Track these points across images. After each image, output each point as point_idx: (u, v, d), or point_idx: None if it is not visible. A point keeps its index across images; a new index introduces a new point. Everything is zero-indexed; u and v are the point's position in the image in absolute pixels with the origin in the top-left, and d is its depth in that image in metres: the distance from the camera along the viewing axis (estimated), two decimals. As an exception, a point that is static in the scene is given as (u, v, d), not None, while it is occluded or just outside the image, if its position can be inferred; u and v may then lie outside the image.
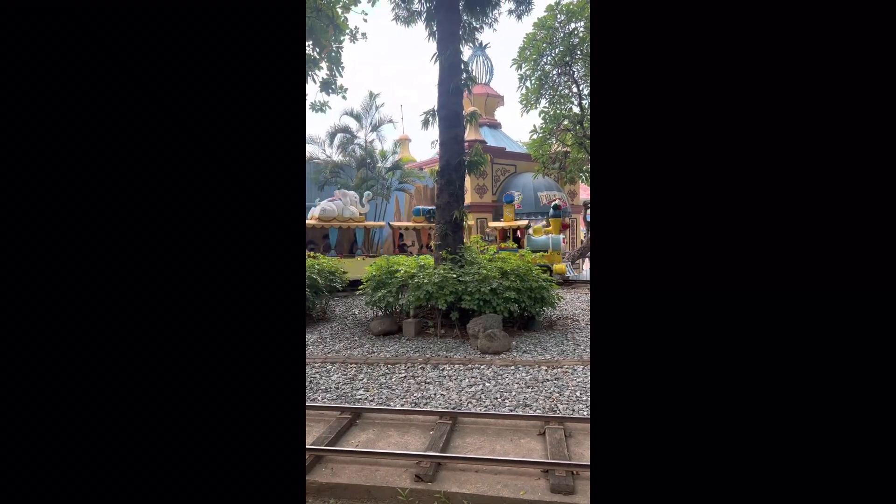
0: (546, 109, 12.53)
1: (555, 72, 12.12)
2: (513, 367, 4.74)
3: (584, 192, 19.09)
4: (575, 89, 12.27)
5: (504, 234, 12.61)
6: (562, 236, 11.63)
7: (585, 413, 3.57)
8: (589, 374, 4.47)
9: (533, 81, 12.16)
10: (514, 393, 4.05)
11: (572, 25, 11.54)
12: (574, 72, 12.04)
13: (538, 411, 3.63)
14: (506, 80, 20.44)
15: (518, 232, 12.37)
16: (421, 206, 13.77)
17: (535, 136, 12.97)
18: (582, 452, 2.87)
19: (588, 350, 5.45)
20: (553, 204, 12.88)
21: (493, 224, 13.49)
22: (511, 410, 3.68)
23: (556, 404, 3.78)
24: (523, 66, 12.04)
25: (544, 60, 11.96)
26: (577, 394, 3.99)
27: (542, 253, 11.77)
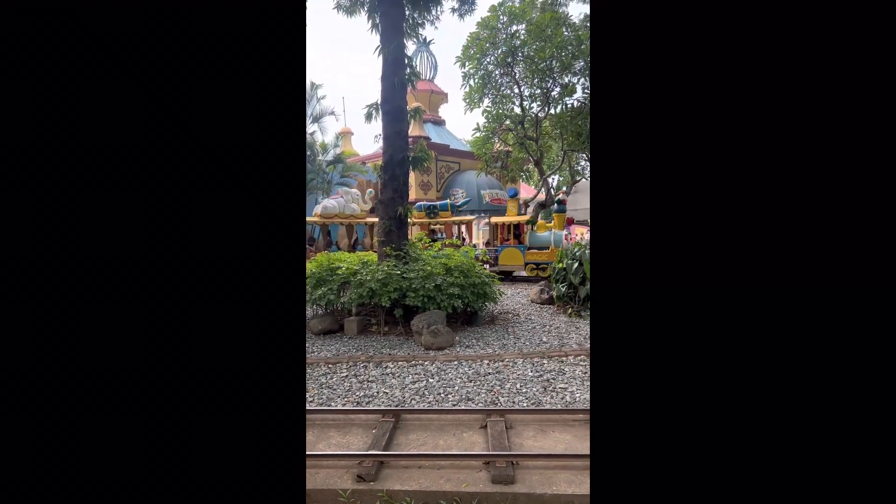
0: (489, 109, 12.75)
1: (497, 72, 12.36)
2: (456, 363, 4.80)
3: (524, 192, 19.65)
4: (516, 90, 12.59)
5: (505, 230, 12.16)
6: (564, 232, 11.12)
7: (525, 405, 3.69)
8: (527, 366, 4.64)
9: (476, 80, 12.31)
10: (457, 388, 4.11)
11: (514, 28, 11.81)
12: (516, 73, 12.35)
13: (480, 405, 3.71)
14: (450, 78, 20.55)
15: (520, 227, 11.86)
16: (423, 202, 13.73)
17: (478, 135, 13.17)
18: (522, 443, 2.97)
19: (527, 343, 5.65)
20: (557, 198, 12.46)
21: (495, 219, 13.03)
22: (454, 405, 3.72)
23: (497, 397, 3.87)
24: (467, 64, 12.16)
25: (487, 60, 12.15)
26: (518, 386, 4.12)
27: (540, 250, 11.22)
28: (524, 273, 11.68)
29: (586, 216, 12.52)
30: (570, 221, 11.55)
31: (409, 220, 7.28)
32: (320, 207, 12.38)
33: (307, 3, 1.25)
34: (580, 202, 15.87)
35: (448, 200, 13.83)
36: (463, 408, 3.54)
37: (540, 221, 11.82)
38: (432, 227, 13.55)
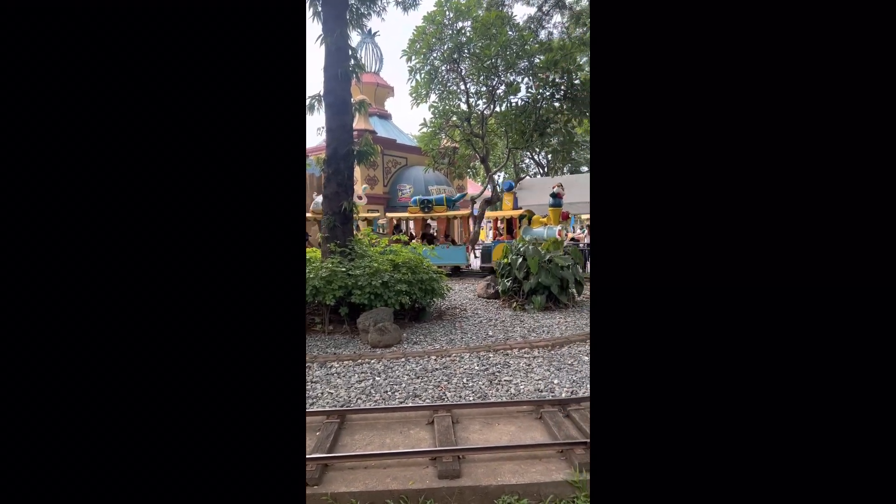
0: (436, 104, 12.74)
1: (444, 68, 12.36)
2: (403, 360, 4.77)
3: (471, 188, 19.85)
4: (463, 87, 12.67)
5: (499, 224, 11.77)
6: (558, 227, 10.55)
7: (472, 399, 3.74)
8: (474, 360, 4.70)
9: (423, 75, 12.24)
10: (404, 385, 4.08)
11: (460, 24, 11.87)
12: (462, 69, 12.42)
13: (427, 401, 3.71)
14: (396, 72, 20.32)
15: (513, 222, 11.36)
16: (419, 196, 13.24)
17: (425, 130, 13.12)
18: (468, 437, 3.01)
19: (474, 338, 5.74)
20: (551, 192, 11.44)
21: (490, 213, 12.49)
22: (401, 403, 3.70)
23: (444, 392, 3.90)
24: (413, 58, 12.06)
25: (434, 55, 12.12)
26: (464, 380, 4.17)
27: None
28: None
29: (538, 211, 12.70)
30: (566, 216, 10.99)
31: (353, 215, 7.11)
32: (313, 204, 12.35)
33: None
34: (525, 199, 16.31)
35: (443, 195, 13.37)
36: (409, 405, 3.52)
37: (536, 216, 11.18)
38: (427, 221, 13.14)
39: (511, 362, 4.65)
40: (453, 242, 12.75)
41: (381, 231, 13.85)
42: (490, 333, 5.94)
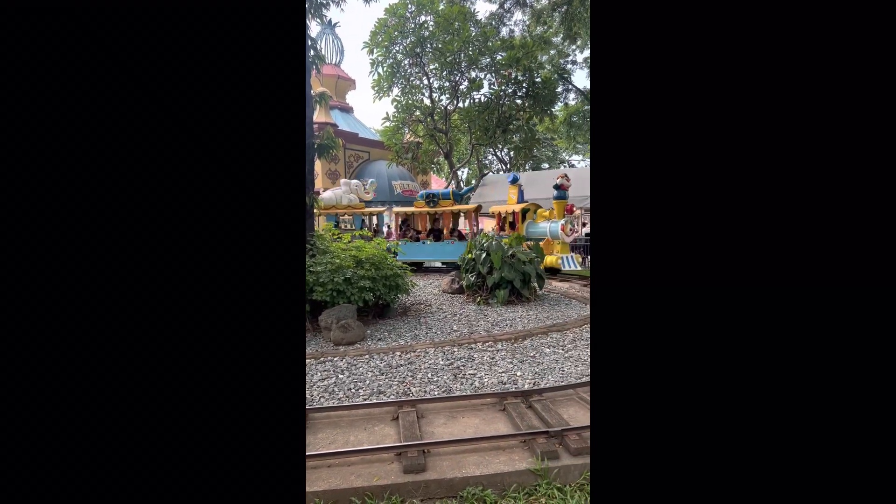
0: (399, 98, 12.63)
1: (406, 62, 12.27)
2: (367, 356, 4.72)
3: (435, 183, 19.80)
4: (426, 81, 12.62)
5: (502, 220, 11.14)
6: (561, 222, 9.87)
7: (436, 393, 3.76)
8: (438, 355, 4.73)
9: (385, 68, 12.09)
10: (367, 382, 4.05)
11: (422, 18, 11.79)
12: (425, 64, 12.36)
13: (392, 397, 3.70)
14: (357, 65, 19.95)
15: (516, 217, 10.79)
16: (426, 190, 12.67)
17: (388, 125, 12.98)
18: (433, 431, 3.02)
19: (438, 333, 5.76)
20: (554, 184, 10.63)
21: (494, 208, 11.81)
22: (365, 400, 3.67)
23: (409, 388, 3.89)
24: (375, 51, 11.88)
25: (396, 49, 11.99)
26: (429, 375, 4.18)
27: (536, 242, 10.20)
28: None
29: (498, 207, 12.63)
30: (571, 210, 10.34)
31: (315, 209, 6.95)
32: (319, 199, 12.26)
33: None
34: (487, 195, 16.49)
35: (450, 188, 12.78)
36: (374, 401, 3.50)
37: (540, 210, 10.75)
38: (436, 216, 12.53)
39: (475, 356, 4.70)
40: (461, 237, 12.00)
41: (387, 228, 13.50)
42: (455, 328, 5.98)
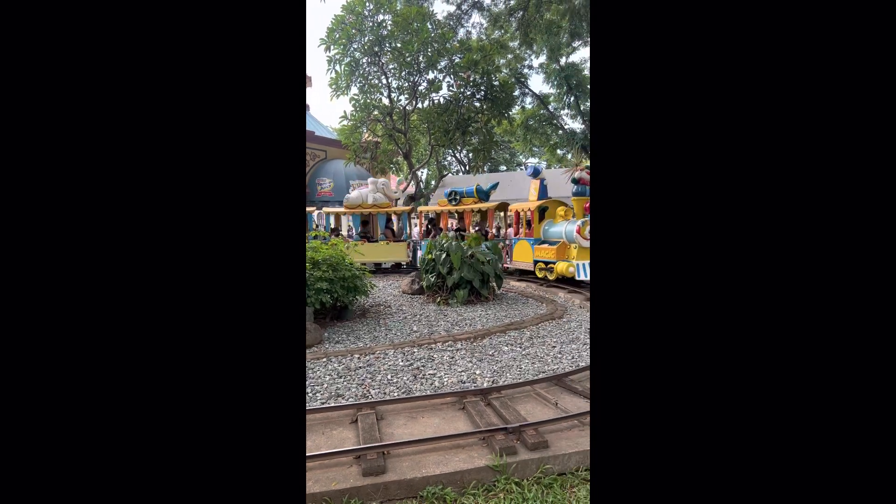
0: (357, 97, 12.43)
1: (365, 60, 12.10)
2: (325, 360, 4.62)
3: (394, 184, 19.63)
4: (384, 80, 12.51)
5: (520, 219, 10.06)
6: (578, 223, 8.32)
7: (396, 394, 3.74)
8: (398, 356, 4.70)
9: (343, 67, 11.87)
10: (325, 385, 3.97)
11: (381, 17, 11.68)
12: (383, 63, 12.25)
13: (350, 400, 3.64)
14: (313, 62, 19.48)
15: (531, 215, 9.61)
16: (451, 188, 11.90)
17: (345, 123, 12.74)
18: (393, 432, 3.01)
19: (398, 334, 5.73)
20: (572, 177, 8.85)
21: (513, 206, 10.60)
22: (322, 404, 3.59)
23: (368, 390, 3.85)
24: (332, 48, 11.64)
25: (354, 47, 11.80)
26: (389, 377, 4.15)
27: (552, 245, 9.02)
28: (534, 272, 9.45)
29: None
30: (589, 209, 8.76)
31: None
32: (344, 199, 12.13)
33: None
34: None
35: (474, 185, 11.39)
36: (332, 405, 3.43)
37: (559, 209, 9.24)
38: (460, 213, 11.69)
39: (435, 356, 4.72)
40: (485, 237, 10.90)
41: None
42: (415, 329, 5.98)
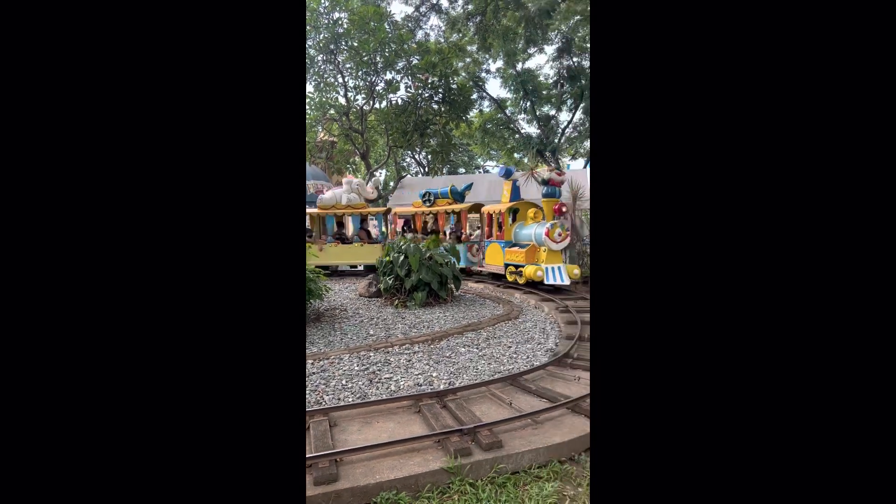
0: (312, 95, 12.14)
1: (320, 58, 11.84)
2: (276, 366, 4.46)
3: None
4: (341, 79, 12.30)
5: (491, 221, 9.73)
6: (547, 225, 8.08)
7: (350, 400, 3.67)
8: (353, 361, 4.62)
9: (297, 63, 11.55)
10: (277, 393, 3.82)
11: (336, 14, 11.48)
12: (339, 61, 12.04)
13: (303, 407, 3.53)
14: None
15: (501, 217, 9.34)
16: (426, 189, 11.36)
17: (300, 122, 12.40)
18: (346, 438, 2.94)
19: (354, 338, 5.63)
20: (542, 178, 8.60)
21: (485, 208, 10.25)
22: (273, 412, 3.46)
23: (321, 396, 3.75)
24: (286, 44, 11.30)
25: (309, 44, 11.52)
26: (343, 382, 4.06)
27: (522, 248, 8.71)
28: (504, 274, 9.14)
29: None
30: (560, 210, 8.42)
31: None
32: (319, 199, 11.77)
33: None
34: (406, 197, 16.50)
35: (449, 186, 11.07)
36: (283, 413, 3.31)
37: (530, 211, 8.97)
38: (434, 214, 11.26)
39: (392, 359, 4.67)
40: (458, 239, 10.76)
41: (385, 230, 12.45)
42: (371, 332, 5.89)
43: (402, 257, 7.66)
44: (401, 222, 12.83)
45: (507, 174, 9.51)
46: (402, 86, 12.52)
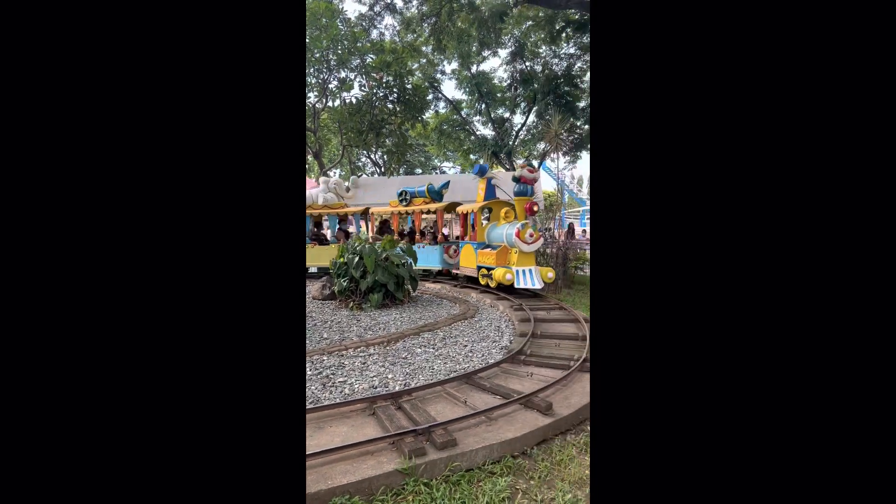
0: (261, 92, 11.70)
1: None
2: (223, 374, 4.26)
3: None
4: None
5: (465, 221, 9.36)
6: (517, 225, 7.65)
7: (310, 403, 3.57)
8: (307, 366, 4.50)
9: (244, 58, 11.10)
10: (223, 402, 3.65)
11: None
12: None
13: (252, 415, 3.39)
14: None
15: (474, 217, 8.93)
16: (406, 188, 10.56)
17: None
18: (297, 445, 2.86)
19: (307, 342, 5.48)
20: (514, 175, 8.18)
21: (460, 208, 9.79)
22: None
23: (272, 403, 3.62)
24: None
25: (257, 38, 11.11)
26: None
27: (493, 249, 8.24)
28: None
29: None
30: (531, 209, 8.09)
31: None
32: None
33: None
34: (361, 198, 16.25)
35: (426, 185, 10.45)
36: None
37: (503, 210, 8.48)
38: (410, 214, 10.64)
39: (346, 363, 4.59)
40: (434, 240, 10.46)
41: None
42: (325, 336, 5.76)
43: (356, 258, 7.54)
44: (377, 223, 12.38)
45: (482, 172, 8.98)
46: (357, 84, 12.34)
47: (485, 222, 9.47)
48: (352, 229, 12.82)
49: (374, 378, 4.14)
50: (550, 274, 7.81)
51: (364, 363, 4.57)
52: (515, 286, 7.70)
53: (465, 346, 5.19)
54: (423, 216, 10.97)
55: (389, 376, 4.19)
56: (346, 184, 11.96)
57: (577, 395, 3.59)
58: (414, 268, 8.00)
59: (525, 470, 2.72)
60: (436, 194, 10.21)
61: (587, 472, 2.71)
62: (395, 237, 10.37)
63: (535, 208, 8.08)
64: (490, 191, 9.05)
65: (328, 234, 12.01)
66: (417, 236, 10.75)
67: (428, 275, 10.58)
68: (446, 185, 10.73)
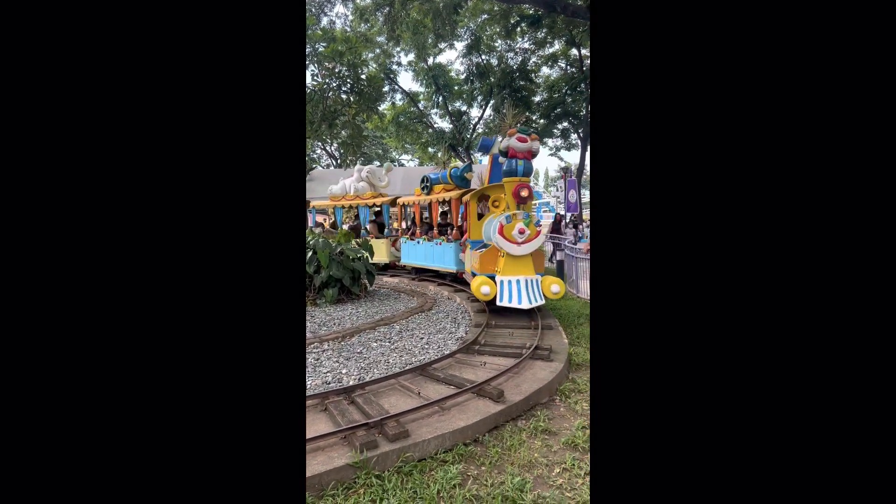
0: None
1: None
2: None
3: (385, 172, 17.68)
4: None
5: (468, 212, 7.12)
6: (501, 218, 5.51)
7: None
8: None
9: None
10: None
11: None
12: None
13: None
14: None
15: (467, 208, 7.03)
16: (430, 174, 9.12)
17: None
18: (244, 446, 2.78)
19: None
20: (500, 147, 5.75)
21: (465, 197, 7.23)
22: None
23: (218, 404, 3.49)
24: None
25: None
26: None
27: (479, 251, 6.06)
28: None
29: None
30: (517, 195, 5.53)
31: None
32: (329, 191, 10.78)
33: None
34: (316, 190, 15.83)
35: (447, 170, 8.68)
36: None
37: (493, 199, 6.50)
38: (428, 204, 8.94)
39: (299, 359, 4.48)
40: (429, 231, 9.08)
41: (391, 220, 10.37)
42: (277, 333, 5.59)
43: (310, 253, 7.36)
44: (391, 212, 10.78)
45: (485, 148, 6.64)
46: (308, 74, 11.95)
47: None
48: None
49: (328, 374, 4.08)
50: (556, 287, 5.59)
51: (317, 359, 4.49)
52: (498, 304, 5.46)
53: (422, 338, 5.21)
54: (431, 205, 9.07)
55: (343, 371, 4.14)
56: (381, 171, 10.19)
57: (528, 381, 3.69)
58: (371, 261, 7.76)
59: (477, 457, 2.78)
60: (459, 179, 8.03)
61: (536, 455, 2.81)
62: (418, 232, 9.02)
63: (525, 192, 5.50)
64: (496, 171, 6.37)
65: (369, 227, 10.41)
66: (435, 231, 8.93)
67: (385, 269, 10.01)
68: (468, 167, 8.37)
